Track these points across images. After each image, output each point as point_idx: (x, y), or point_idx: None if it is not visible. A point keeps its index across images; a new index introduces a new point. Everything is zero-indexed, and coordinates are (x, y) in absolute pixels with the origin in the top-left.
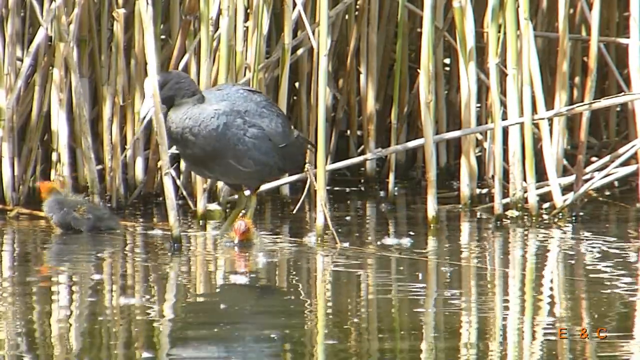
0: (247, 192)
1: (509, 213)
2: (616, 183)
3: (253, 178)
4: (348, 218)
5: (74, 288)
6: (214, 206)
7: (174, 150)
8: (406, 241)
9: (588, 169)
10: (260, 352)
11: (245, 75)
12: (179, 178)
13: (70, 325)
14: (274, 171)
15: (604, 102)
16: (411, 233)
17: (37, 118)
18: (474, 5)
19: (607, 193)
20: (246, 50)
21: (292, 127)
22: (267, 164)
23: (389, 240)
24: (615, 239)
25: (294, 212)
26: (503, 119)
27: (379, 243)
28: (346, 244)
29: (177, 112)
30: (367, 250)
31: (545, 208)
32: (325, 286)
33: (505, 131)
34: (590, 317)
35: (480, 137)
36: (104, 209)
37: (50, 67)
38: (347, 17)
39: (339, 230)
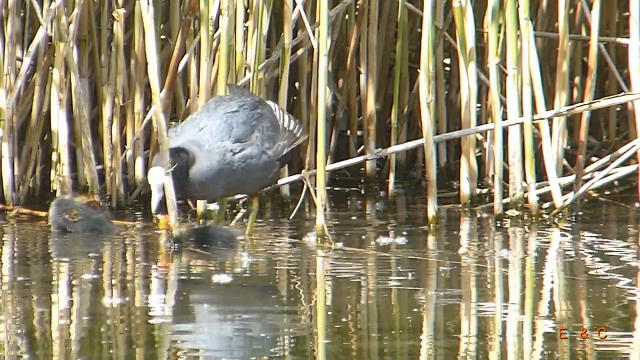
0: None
1: (509, 213)
2: (616, 183)
3: (255, 188)
4: (354, 218)
5: (68, 288)
6: (213, 206)
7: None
8: (401, 240)
9: (588, 169)
10: (255, 352)
11: (245, 75)
12: None
13: (61, 325)
14: (275, 175)
15: (604, 102)
16: (404, 233)
17: (37, 118)
18: (474, 5)
19: (607, 193)
20: (246, 50)
21: (288, 123)
22: (266, 177)
23: (384, 240)
24: (615, 239)
25: (291, 217)
26: (503, 119)
27: (373, 243)
28: (340, 244)
29: (193, 170)
30: (366, 251)
31: (545, 208)
32: (323, 286)
33: (505, 131)
34: (590, 317)
35: (480, 137)
36: (101, 212)
37: (50, 67)
38: (347, 17)
39: (338, 230)
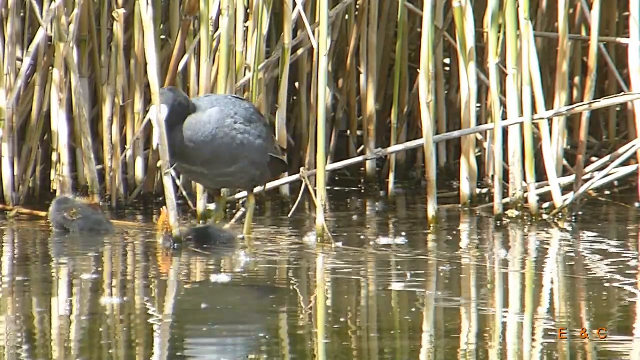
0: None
1: (509, 213)
2: (616, 183)
3: (247, 179)
4: (354, 217)
5: (68, 288)
6: (214, 206)
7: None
8: (400, 240)
9: (588, 169)
10: (254, 352)
11: (245, 75)
12: (179, 178)
13: (60, 325)
14: (266, 173)
15: (604, 102)
16: (404, 233)
17: (37, 118)
18: (474, 5)
19: (607, 193)
20: (246, 50)
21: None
22: (261, 163)
23: (383, 240)
24: (615, 239)
25: (290, 215)
26: (503, 119)
27: (372, 242)
28: (340, 244)
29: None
30: (366, 251)
31: (545, 208)
32: (323, 286)
33: (505, 131)
34: (590, 317)
35: (480, 137)
36: (101, 214)
37: (50, 67)
38: (347, 17)
39: (338, 230)
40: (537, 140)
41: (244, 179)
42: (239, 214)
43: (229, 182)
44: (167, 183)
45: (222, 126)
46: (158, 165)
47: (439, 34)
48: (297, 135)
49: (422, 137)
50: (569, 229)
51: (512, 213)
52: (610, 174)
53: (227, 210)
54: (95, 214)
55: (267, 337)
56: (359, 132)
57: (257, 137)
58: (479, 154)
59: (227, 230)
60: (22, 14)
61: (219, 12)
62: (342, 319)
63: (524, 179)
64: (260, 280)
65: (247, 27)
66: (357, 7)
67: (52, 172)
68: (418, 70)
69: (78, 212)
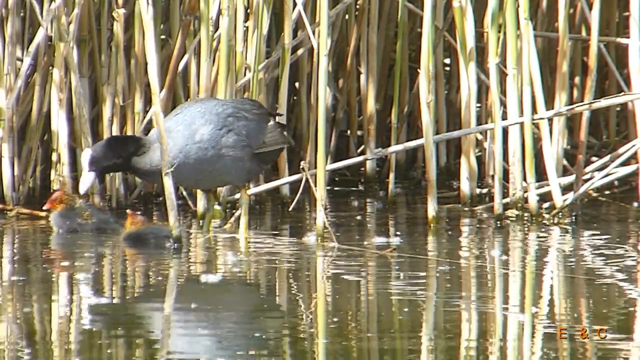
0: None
1: (509, 213)
2: (616, 183)
3: (234, 177)
4: (354, 217)
5: (67, 288)
6: (216, 206)
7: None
8: (400, 240)
9: (588, 169)
10: (252, 352)
11: (245, 75)
12: None
13: (58, 325)
14: (253, 167)
15: (604, 102)
16: (404, 233)
17: (37, 118)
18: (474, 5)
19: (607, 193)
20: (246, 50)
21: (272, 124)
22: (242, 159)
23: (384, 240)
24: (615, 238)
25: (290, 210)
26: (503, 119)
27: (372, 242)
28: (334, 244)
29: (141, 159)
30: (366, 250)
31: (545, 208)
32: (322, 286)
33: (505, 131)
34: (590, 317)
35: (480, 137)
36: (106, 213)
37: (50, 67)
38: (347, 17)
39: (338, 230)
40: (537, 140)
41: (233, 176)
42: (238, 212)
43: (220, 183)
44: (167, 183)
45: (187, 154)
46: None
47: (439, 34)
48: (297, 135)
49: (422, 137)
50: (569, 229)
51: (512, 213)
52: (610, 174)
53: (227, 210)
54: (101, 212)
55: (264, 336)
56: (359, 132)
57: (227, 132)
58: (479, 154)
59: (161, 228)
60: (22, 14)
61: (219, 12)
62: (339, 319)
63: (524, 179)
64: (259, 280)
65: (247, 27)
66: (357, 7)
67: (52, 172)
68: (418, 70)
69: (90, 214)
